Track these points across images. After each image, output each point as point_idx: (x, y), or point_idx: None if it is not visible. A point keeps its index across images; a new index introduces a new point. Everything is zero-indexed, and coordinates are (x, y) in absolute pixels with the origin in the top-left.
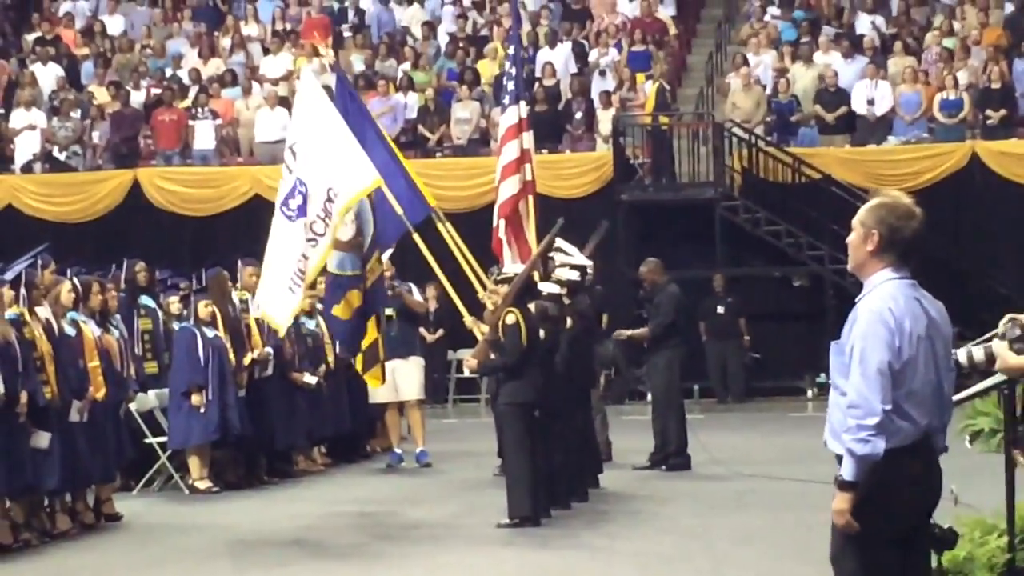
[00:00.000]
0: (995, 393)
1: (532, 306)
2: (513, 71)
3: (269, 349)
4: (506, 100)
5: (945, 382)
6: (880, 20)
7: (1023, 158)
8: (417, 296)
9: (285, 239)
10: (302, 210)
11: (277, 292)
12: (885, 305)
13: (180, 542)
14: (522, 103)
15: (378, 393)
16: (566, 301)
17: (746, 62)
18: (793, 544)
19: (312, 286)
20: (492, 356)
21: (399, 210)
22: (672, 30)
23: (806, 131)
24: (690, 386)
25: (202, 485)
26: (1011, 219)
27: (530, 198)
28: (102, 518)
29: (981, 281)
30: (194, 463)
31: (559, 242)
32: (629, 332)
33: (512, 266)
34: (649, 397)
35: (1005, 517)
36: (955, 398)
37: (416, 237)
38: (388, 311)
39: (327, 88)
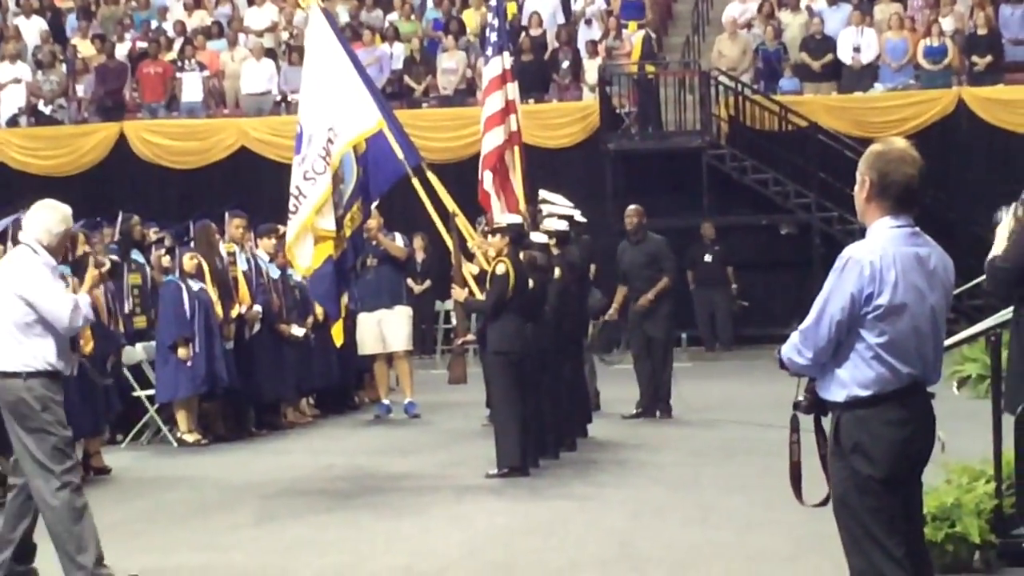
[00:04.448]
0: (983, 339)
1: (521, 256)
2: (496, 22)
3: (258, 308)
4: (489, 51)
5: (939, 332)
6: None
7: (1009, 104)
8: (400, 243)
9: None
10: (297, 148)
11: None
12: (866, 254)
13: (169, 495)
14: (506, 54)
15: (366, 344)
16: (555, 251)
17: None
18: (781, 492)
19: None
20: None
21: (399, 153)
22: None
23: (793, 79)
24: (678, 334)
25: (190, 438)
26: (998, 165)
27: (516, 148)
28: (91, 472)
29: (967, 228)
30: (182, 416)
31: (545, 194)
32: (650, 295)
33: (501, 216)
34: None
35: (992, 463)
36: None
37: (415, 181)
38: (370, 260)
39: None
